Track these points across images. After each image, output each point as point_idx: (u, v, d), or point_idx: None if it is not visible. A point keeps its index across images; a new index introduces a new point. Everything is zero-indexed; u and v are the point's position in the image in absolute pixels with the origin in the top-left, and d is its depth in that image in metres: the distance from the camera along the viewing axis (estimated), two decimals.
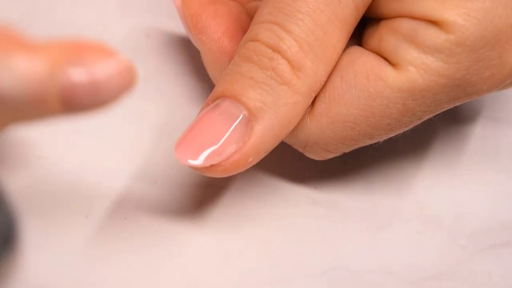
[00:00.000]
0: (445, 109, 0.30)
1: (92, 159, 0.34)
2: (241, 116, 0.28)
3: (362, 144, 0.30)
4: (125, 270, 0.32)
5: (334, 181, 0.34)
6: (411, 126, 0.30)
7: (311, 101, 0.29)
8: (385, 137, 0.30)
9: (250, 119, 0.28)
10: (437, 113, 0.30)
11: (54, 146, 0.34)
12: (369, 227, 0.34)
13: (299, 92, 0.28)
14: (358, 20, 0.29)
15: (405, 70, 0.28)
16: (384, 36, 0.29)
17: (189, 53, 0.37)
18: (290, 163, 0.34)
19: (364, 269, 0.33)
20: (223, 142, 0.28)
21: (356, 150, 0.34)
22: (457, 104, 0.29)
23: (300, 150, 0.31)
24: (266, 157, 0.31)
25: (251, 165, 0.29)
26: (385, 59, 0.29)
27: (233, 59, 0.29)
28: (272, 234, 0.33)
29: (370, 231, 0.33)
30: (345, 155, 0.32)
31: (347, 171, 0.35)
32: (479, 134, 0.36)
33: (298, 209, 0.34)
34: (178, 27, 0.38)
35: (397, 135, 0.31)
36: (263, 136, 0.28)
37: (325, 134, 0.30)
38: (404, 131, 0.31)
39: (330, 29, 0.28)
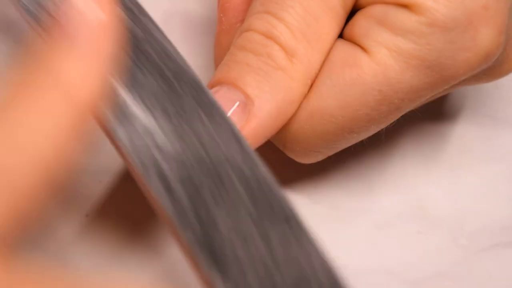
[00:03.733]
0: (424, 98, 0.30)
1: (92, 158, 0.34)
2: (239, 101, 0.28)
3: (343, 142, 0.30)
4: (125, 269, 0.32)
5: (334, 181, 0.34)
6: (391, 119, 0.30)
7: (307, 89, 0.29)
8: (365, 132, 0.30)
9: (248, 104, 0.28)
10: (418, 103, 0.30)
11: None
12: (369, 227, 0.34)
13: (295, 78, 0.29)
14: (348, 11, 0.30)
15: (378, 54, 0.28)
16: (356, 21, 0.29)
17: (188, 53, 0.37)
18: (289, 162, 0.34)
19: (364, 269, 0.33)
20: None
21: (355, 150, 0.34)
22: (437, 92, 0.30)
23: (281, 148, 0.31)
24: (265, 156, 0.31)
25: None
26: (358, 45, 0.29)
27: (229, 50, 0.29)
28: None
29: (370, 231, 0.33)
30: (344, 155, 0.32)
31: (347, 171, 0.35)
32: (480, 134, 0.36)
33: (298, 209, 0.34)
34: (178, 27, 0.38)
35: (392, 136, 0.31)
36: (261, 120, 0.28)
37: (304, 129, 0.30)
38: (405, 133, 0.31)
39: (322, 17, 0.29)
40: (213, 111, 0.25)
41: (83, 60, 0.22)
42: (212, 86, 0.29)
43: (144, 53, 0.26)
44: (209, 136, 0.25)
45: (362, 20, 0.29)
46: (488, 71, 0.31)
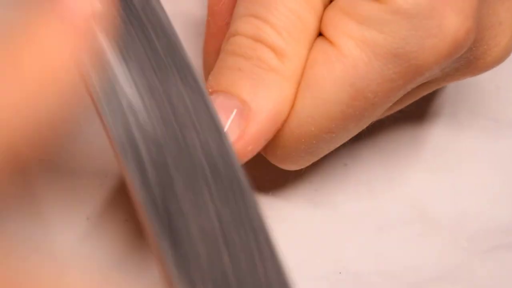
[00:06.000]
0: (400, 92, 0.29)
1: (92, 161, 0.34)
2: (236, 108, 0.28)
3: (323, 144, 0.30)
4: (126, 271, 0.32)
5: (335, 184, 0.34)
6: (369, 117, 0.30)
7: (298, 86, 0.29)
8: (343, 132, 0.30)
9: (245, 109, 0.28)
10: (394, 98, 0.29)
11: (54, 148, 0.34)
12: (370, 229, 0.34)
13: (287, 77, 0.29)
14: (326, 6, 0.30)
15: (345, 46, 0.29)
16: (325, 14, 0.30)
17: (190, 55, 0.37)
18: None
19: (365, 271, 0.33)
20: None
21: (356, 151, 0.34)
22: (412, 84, 0.29)
23: (262, 153, 0.31)
24: (266, 159, 0.32)
25: (253, 154, 0.29)
26: (327, 38, 0.29)
27: (219, 57, 0.30)
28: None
29: (370, 233, 0.33)
30: (345, 157, 0.32)
31: (348, 173, 0.35)
32: (481, 136, 0.36)
33: (298, 212, 0.34)
34: (180, 29, 0.37)
35: (397, 140, 0.31)
36: (260, 123, 0.29)
37: (282, 132, 0.30)
38: (405, 135, 0.31)
39: (305, 15, 0.29)
40: (197, 96, 0.26)
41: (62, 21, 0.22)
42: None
43: (141, 26, 0.26)
44: (189, 118, 0.26)
45: (330, 12, 0.29)
46: (470, 63, 0.31)
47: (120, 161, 0.25)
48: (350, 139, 0.31)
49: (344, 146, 0.33)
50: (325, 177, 0.34)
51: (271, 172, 0.34)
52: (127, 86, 0.25)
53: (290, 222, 0.33)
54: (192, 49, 0.37)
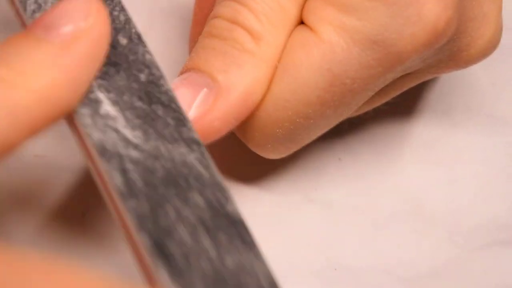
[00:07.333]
0: (379, 80, 0.29)
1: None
2: (206, 85, 0.29)
3: (302, 131, 0.30)
4: (123, 269, 0.32)
5: (330, 179, 0.34)
6: (348, 105, 0.30)
7: (273, 71, 0.29)
8: (321, 119, 0.30)
9: (214, 86, 0.29)
10: (374, 86, 0.29)
11: (50, 145, 0.34)
12: (365, 225, 0.34)
13: (262, 60, 0.29)
14: None
15: (324, 32, 0.29)
16: (306, 4, 0.30)
17: (187, 54, 0.37)
18: (285, 161, 0.34)
19: (360, 267, 0.33)
20: (191, 112, 0.28)
21: (351, 147, 0.34)
22: (391, 72, 0.29)
23: (242, 139, 0.31)
24: (261, 156, 0.32)
25: (220, 133, 0.29)
26: (307, 25, 0.29)
27: (198, 39, 0.30)
28: (267, 232, 0.33)
29: (366, 229, 0.34)
30: (339, 152, 0.32)
31: (343, 169, 0.35)
32: (474, 131, 0.36)
33: (294, 208, 0.34)
34: (175, 28, 0.38)
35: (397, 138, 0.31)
36: (229, 101, 0.29)
37: (259, 116, 0.30)
38: (401, 132, 0.31)
39: (285, 2, 0.29)
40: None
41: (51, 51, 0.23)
42: (181, 73, 0.29)
43: (123, 57, 0.27)
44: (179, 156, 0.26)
45: (311, 1, 0.30)
46: (453, 55, 0.31)
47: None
48: (345, 133, 0.31)
49: (338, 140, 0.34)
50: (320, 172, 0.34)
51: (266, 168, 0.34)
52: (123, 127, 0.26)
53: (285, 218, 0.33)
54: (185, 49, 0.37)
